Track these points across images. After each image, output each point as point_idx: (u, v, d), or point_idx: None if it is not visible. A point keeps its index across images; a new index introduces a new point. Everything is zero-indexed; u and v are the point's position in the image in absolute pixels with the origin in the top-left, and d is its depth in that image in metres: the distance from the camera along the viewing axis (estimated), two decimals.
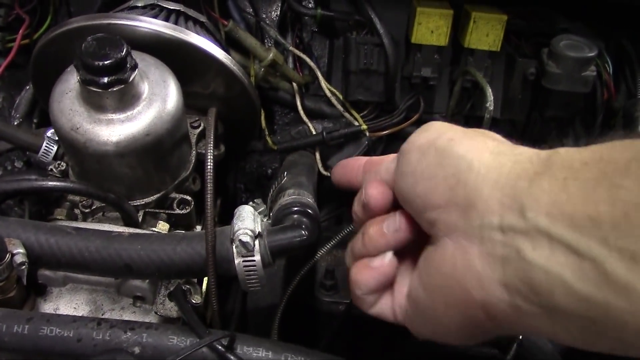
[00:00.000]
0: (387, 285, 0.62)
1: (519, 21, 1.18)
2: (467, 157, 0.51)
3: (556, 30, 1.16)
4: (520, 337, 0.91)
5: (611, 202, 0.40)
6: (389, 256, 0.61)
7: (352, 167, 0.75)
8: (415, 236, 0.59)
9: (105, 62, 0.72)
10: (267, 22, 1.20)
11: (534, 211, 0.43)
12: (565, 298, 0.42)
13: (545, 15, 1.21)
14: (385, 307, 0.63)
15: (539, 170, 0.45)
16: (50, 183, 0.79)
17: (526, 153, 0.49)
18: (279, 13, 1.20)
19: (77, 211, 0.86)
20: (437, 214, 0.52)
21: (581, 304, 0.41)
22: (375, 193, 0.62)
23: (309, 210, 0.80)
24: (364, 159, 0.74)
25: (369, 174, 0.68)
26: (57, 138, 0.89)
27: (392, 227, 0.60)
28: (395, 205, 0.62)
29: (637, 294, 0.38)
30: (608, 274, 0.39)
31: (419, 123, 1.20)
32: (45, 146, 0.89)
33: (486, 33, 1.10)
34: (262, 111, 1.08)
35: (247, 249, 0.71)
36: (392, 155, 0.67)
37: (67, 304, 0.79)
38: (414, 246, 0.60)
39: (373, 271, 0.61)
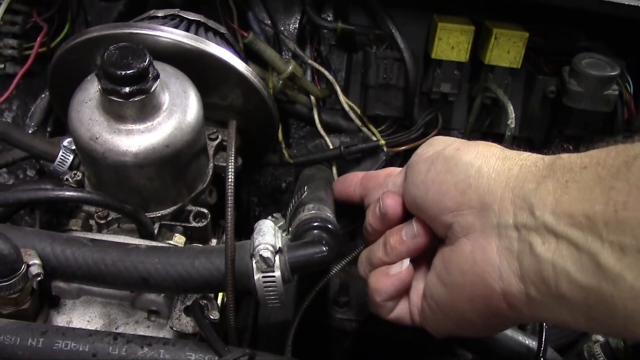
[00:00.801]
0: (405, 290, 0.68)
1: (539, 39, 1.17)
2: (475, 163, 0.56)
3: (577, 49, 1.15)
4: None
5: (604, 201, 0.45)
6: (406, 263, 0.66)
7: (350, 182, 0.82)
8: (431, 241, 0.65)
9: (128, 72, 0.71)
10: (286, 34, 1.19)
11: (541, 210, 0.49)
12: (568, 287, 0.47)
13: (565, 33, 1.20)
14: (403, 311, 0.68)
15: (545, 174, 0.51)
16: (67, 193, 0.78)
17: (531, 158, 0.55)
18: (297, 26, 1.19)
19: (92, 222, 0.85)
20: (452, 217, 0.57)
21: (581, 292, 0.46)
22: (392, 203, 0.67)
23: (330, 226, 0.79)
24: (361, 174, 0.81)
25: (377, 188, 0.75)
26: (73, 147, 0.88)
27: (410, 234, 0.65)
28: (406, 215, 0.68)
29: (624, 281, 0.43)
30: (601, 264, 0.44)
31: None
32: (62, 155, 0.88)
33: (507, 50, 1.09)
34: (280, 124, 1.07)
35: (267, 264, 0.70)
36: (390, 169, 0.77)
37: (81, 316, 0.78)
38: (426, 251, 0.66)
39: (392, 278, 0.66)
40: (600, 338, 1.02)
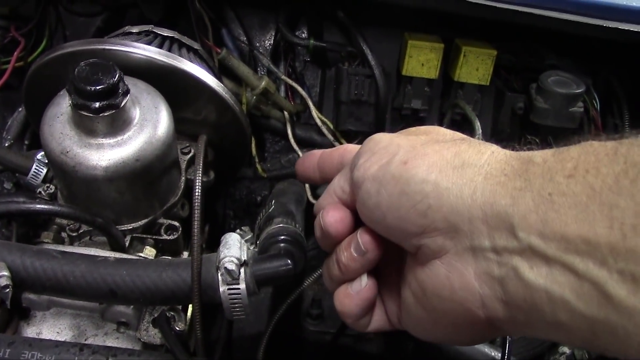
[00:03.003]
0: (373, 304, 0.62)
1: (508, 56, 1.20)
2: (429, 179, 0.48)
3: (545, 66, 1.18)
4: None
5: (607, 224, 0.38)
6: (364, 280, 0.60)
7: (309, 163, 0.74)
8: (383, 250, 0.58)
9: (97, 87, 0.72)
10: (261, 50, 1.21)
11: (525, 231, 0.42)
12: (568, 316, 0.41)
13: (534, 50, 1.23)
14: (380, 321, 0.63)
15: (519, 185, 0.43)
16: (38, 206, 0.79)
17: (495, 161, 0.47)
18: (272, 42, 1.22)
19: (64, 234, 0.85)
20: (418, 240, 0.50)
21: (584, 322, 0.40)
22: (333, 221, 0.60)
23: (296, 240, 0.80)
24: (319, 152, 0.73)
25: (332, 171, 0.67)
26: (47, 161, 0.89)
27: (359, 251, 0.58)
28: (355, 225, 0.60)
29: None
30: (610, 296, 0.38)
31: None
32: (35, 168, 0.89)
33: (476, 67, 1.11)
34: (253, 139, 1.09)
35: (232, 276, 0.71)
36: (344, 148, 0.69)
37: (50, 328, 0.78)
38: (393, 253, 0.60)
39: (355, 298, 0.60)
40: (567, 350, 1.04)
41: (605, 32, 1.03)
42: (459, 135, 0.56)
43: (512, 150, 0.48)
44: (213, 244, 0.94)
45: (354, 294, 0.60)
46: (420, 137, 0.55)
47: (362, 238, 0.58)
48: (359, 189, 0.55)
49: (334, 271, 0.61)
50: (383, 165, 0.52)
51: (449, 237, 0.48)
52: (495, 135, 1.22)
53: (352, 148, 0.66)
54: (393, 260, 0.61)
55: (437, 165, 0.49)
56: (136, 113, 0.80)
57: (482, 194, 0.45)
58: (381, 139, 0.56)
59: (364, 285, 0.59)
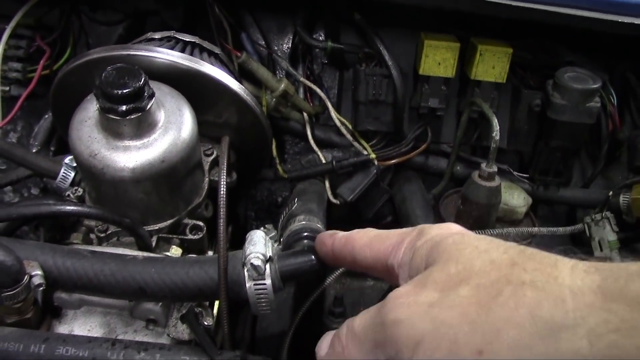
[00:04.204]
0: None
1: (524, 54, 1.21)
2: None
3: (561, 63, 1.19)
4: None
5: None
6: None
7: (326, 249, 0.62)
8: None
9: (124, 91, 0.74)
10: (279, 54, 1.23)
11: None
12: None
13: (550, 47, 1.24)
14: None
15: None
16: (68, 207, 0.82)
17: (589, 314, 0.35)
18: (290, 45, 1.24)
19: (92, 236, 0.88)
20: None
21: None
22: None
23: None
24: (329, 241, 0.61)
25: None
26: (74, 165, 0.92)
27: None
28: None
29: None
30: None
31: (427, 152, 1.22)
32: (63, 172, 0.92)
33: (492, 65, 1.12)
34: (274, 140, 1.11)
35: (258, 272, 0.73)
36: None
37: (82, 326, 0.80)
38: None
39: None
40: None
41: (621, 27, 1.04)
42: (492, 251, 0.43)
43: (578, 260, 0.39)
44: (236, 245, 0.96)
45: None
46: (460, 294, 0.41)
47: None
48: None
49: None
50: (449, 358, 0.39)
51: None
52: (513, 133, 1.23)
53: (361, 246, 0.55)
54: None
55: (520, 343, 0.36)
56: (161, 116, 0.82)
57: None
58: (415, 317, 0.42)
59: None
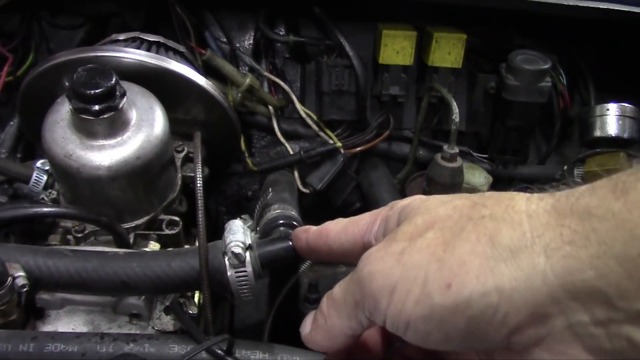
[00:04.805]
0: None
1: (477, 40, 1.26)
2: (489, 290, 0.39)
3: (512, 47, 1.24)
4: None
5: None
6: None
7: (322, 242, 0.58)
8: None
9: (96, 91, 0.76)
10: (242, 50, 1.26)
11: (625, 300, 0.36)
12: None
13: (501, 33, 1.29)
14: None
15: (594, 252, 0.36)
16: (45, 209, 0.83)
17: (545, 232, 0.38)
18: (252, 41, 1.26)
19: (69, 237, 0.89)
20: (505, 342, 0.42)
21: None
22: None
23: (294, 223, 0.85)
24: (304, 235, 0.61)
25: (322, 338, 0.52)
26: (46, 168, 0.93)
27: None
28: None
29: None
30: None
31: (390, 138, 1.27)
32: (36, 176, 0.92)
33: (448, 51, 1.17)
34: (242, 134, 1.13)
35: (239, 260, 0.75)
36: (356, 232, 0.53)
37: (66, 325, 0.81)
38: None
39: None
40: None
41: (566, 10, 1.10)
42: (454, 200, 0.46)
43: (534, 193, 0.42)
44: (209, 239, 0.98)
45: None
46: (427, 238, 0.44)
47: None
48: (404, 334, 0.44)
49: None
50: (421, 298, 0.42)
51: (540, 326, 0.40)
52: (471, 116, 1.28)
53: (336, 232, 0.56)
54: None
55: (484, 269, 0.40)
56: (133, 114, 0.84)
57: (555, 276, 0.38)
58: (387, 266, 0.44)
59: None
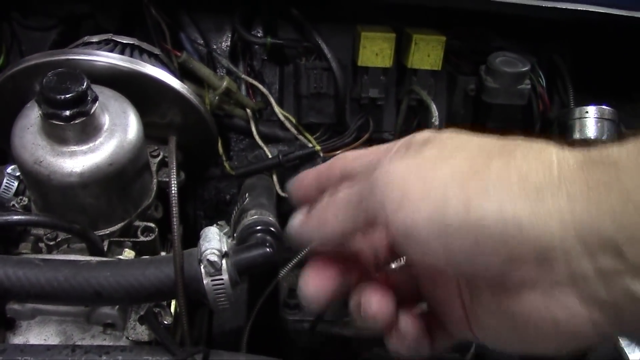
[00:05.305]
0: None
1: (457, 42, 1.26)
2: (507, 218, 0.39)
3: (491, 49, 1.24)
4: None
5: None
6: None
7: (306, 185, 0.57)
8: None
9: (67, 96, 0.74)
10: (219, 52, 1.24)
11: (635, 251, 0.37)
12: None
13: (480, 35, 1.29)
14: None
15: (615, 201, 0.37)
16: (15, 217, 0.80)
17: (571, 176, 0.39)
18: (229, 43, 1.24)
19: (41, 245, 0.86)
20: (501, 277, 0.42)
21: None
22: (377, 309, 0.48)
23: (272, 229, 0.84)
24: (313, 173, 0.57)
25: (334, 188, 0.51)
26: (17, 174, 0.90)
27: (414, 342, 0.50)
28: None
29: None
30: None
31: (370, 142, 1.26)
32: (6, 182, 0.90)
33: (427, 53, 1.16)
34: (219, 138, 1.12)
35: (215, 268, 0.74)
36: (344, 162, 0.52)
37: (37, 336, 0.79)
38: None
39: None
40: None
41: (544, 11, 1.10)
42: (487, 137, 0.46)
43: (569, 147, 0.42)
44: (187, 245, 0.96)
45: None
46: (456, 158, 0.43)
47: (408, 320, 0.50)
48: (404, 243, 0.44)
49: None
50: (434, 211, 0.41)
51: (541, 268, 0.40)
52: (451, 118, 1.27)
53: (352, 158, 0.53)
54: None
55: (507, 199, 0.39)
56: (105, 119, 0.82)
57: (572, 218, 0.38)
58: (407, 171, 0.44)
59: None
